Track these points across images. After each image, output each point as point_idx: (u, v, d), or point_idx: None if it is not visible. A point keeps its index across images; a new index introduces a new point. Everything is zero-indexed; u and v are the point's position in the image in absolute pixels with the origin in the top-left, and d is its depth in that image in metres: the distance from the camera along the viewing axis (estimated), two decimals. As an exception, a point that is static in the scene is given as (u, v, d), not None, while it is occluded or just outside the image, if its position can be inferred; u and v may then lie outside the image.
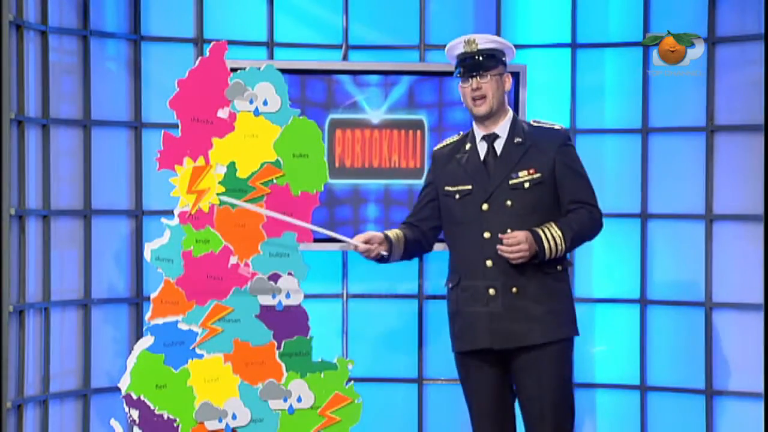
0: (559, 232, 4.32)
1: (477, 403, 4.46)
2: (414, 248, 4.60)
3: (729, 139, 5.56)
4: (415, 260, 5.88)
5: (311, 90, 5.67)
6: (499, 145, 4.44)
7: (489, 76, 4.40)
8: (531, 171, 4.37)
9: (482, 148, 4.46)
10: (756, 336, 5.45)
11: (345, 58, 5.85)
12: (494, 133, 4.45)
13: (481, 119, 4.45)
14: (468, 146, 4.49)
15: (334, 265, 5.88)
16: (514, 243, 4.27)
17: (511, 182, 4.37)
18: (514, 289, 4.33)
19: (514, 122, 4.47)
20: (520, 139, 4.42)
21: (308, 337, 4.49)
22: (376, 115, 5.72)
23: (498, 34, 5.83)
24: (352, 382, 4.54)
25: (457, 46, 4.47)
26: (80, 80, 5.46)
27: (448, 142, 4.62)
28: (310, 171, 4.47)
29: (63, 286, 5.40)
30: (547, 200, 4.39)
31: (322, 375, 4.50)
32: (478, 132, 4.49)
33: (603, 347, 5.83)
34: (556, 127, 4.47)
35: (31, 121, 5.21)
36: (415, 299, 5.91)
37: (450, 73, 5.69)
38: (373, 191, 5.71)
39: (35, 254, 5.25)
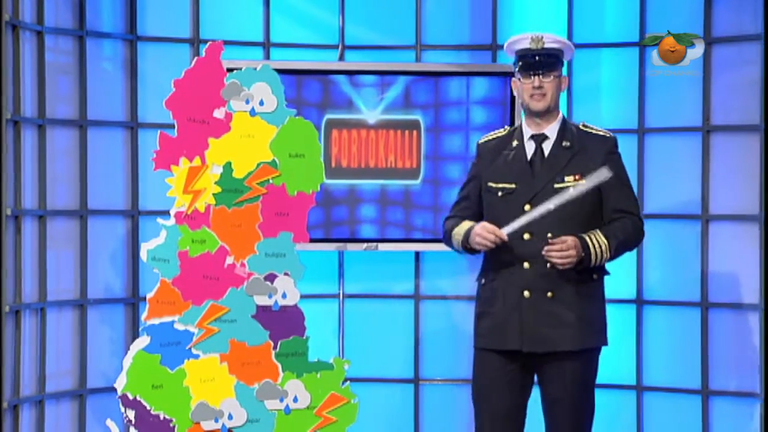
0: (605, 240, 4.28)
1: (490, 403, 4.38)
2: None
3: (725, 140, 5.56)
4: (411, 260, 5.89)
5: (307, 90, 5.67)
6: (547, 147, 4.39)
7: (552, 76, 4.37)
8: (577, 177, 4.33)
9: (530, 148, 4.41)
10: (752, 336, 5.46)
11: (341, 58, 5.85)
12: (543, 134, 4.40)
13: (535, 116, 4.40)
14: (515, 143, 4.44)
15: (331, 265, 5.88)
16: (565, 248, 4.23)
17: (556, 186, 4.31)
18: (549, 294, 4.29)
19: (564, 125, 4.43)
20: (569, 143, 4.38)
21: (304, 338, 4.49)
22: (372, 115, 5.72)
23: (493, 34, 5.84)
24: (348, 382, 4.54)
25: (522, 41, 4.40)
26: (76, 80, 5.46)
27: (494, 135, 4.55)
28: (307, 171, 4.47)
29: (59, 287, 5.40)
30: (589, 207, 4.34)
31: (318, 375, 4.50)
32: (527, 130, 4.44)
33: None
34: (605, 134, 4.43)
35: (28, 122, 5.20)
36: (411, 299, 5.91)
37: (446, 74, 5.72)
38: (369, 191, 5.71)
39: (31, 254, 5.25)
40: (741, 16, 5.50)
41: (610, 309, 5.78)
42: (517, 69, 4.43)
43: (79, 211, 5.46)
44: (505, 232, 4.27)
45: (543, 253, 4.25)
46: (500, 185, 4.39)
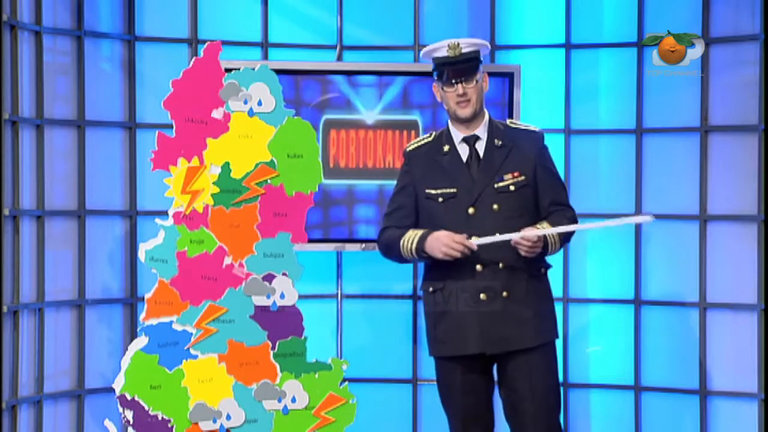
0: (552, 228, 4.35)
1: (464, 407, 4.44)
2: None
3: (723, 140, 5.56)
4: (410, 261, 5.89)
5: (305, 90, 5.67)
6: (480, 148, 4.43)
7: (474, 81, 4.39)
8: (515, 174, 4.38)
9: (463, 150, 4.44)
10: (750, 336, 5.46)
11: (339, 58, 5.85)
12: (475, 135, 4.44)
13: (463, 121, 4.44)
14: (446, 147, 4.46)
15: (329, 265, 5.88)
16: (532, 241, 4.27)
17: (497, 186, 4.36)
18: (504, 293, 4.32)
19: (491, 124, 4.47)
20: (501, 142, 4.42)
21: (302, 338, 4.49)
22: (370, 115, 5.72)
23: (492, 34, 5.84)
24: (346, 382, 4.54)
25: (439, 50, 4.41)
26: (74, 81, 5.46)
27: (422, 141, 4.57)
28: (305, 171, 4.48)
29: (57, 287, 5.40)
30: (531, 203, 4.41)
31: (316, 375, 4.50)
32: (457, 134, 4.47)
33: (597, 347, 5.84)
34: (533, 129, 4.50)
35: (26, 122, 5.20)
36: (409, 300, 5.91)
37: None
38: (367, 192, 5.71)
39: (29, 255, 5.25)
40: (739, 16, 5.50)
41: (608, 309, 5.82)
42: (436, 77, 4.45)
43: (77, 212, 5.46)
44: (475, 243, 4.28)
45: (513, 244, 4.28)
46: (440, 191, 4.41)
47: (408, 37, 5.90)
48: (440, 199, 4.42)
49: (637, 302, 5.74)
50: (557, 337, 4.49)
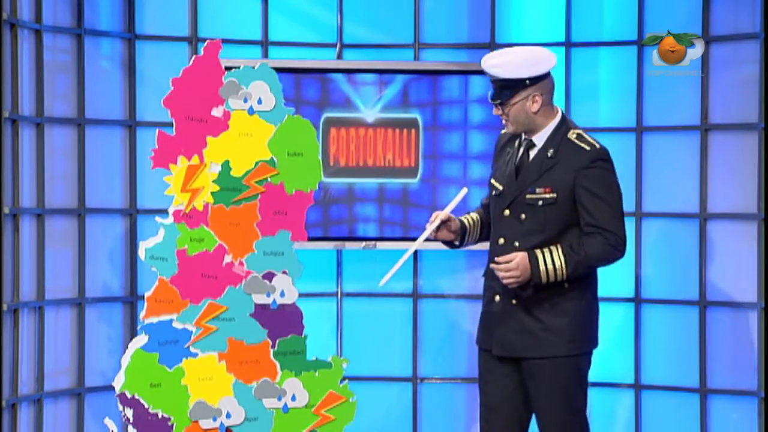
0: (562, 258, 4.19)
1: (485, 396, 4.40)
2: (490, 229, 4.47)
3: (723, 138, 5.56)
4: (410, 259, 5.88)
5: (305, 89, 5.67)
6: (532, 155, 4.29)
7: (509, 105, 4.23)
8: (547, 189, 4.22)
9: (521, 152, 4.32)
10: (750, 334, 5.46)
11: (339, 56, 5.85)
12: (532, 141, 4.29)
13: None
14: (516, 144, 4.35)
15: (329, 263, 5.88)
16: (505, 269, 4.18)
17: (527, 197, 4.24)
18: (513, 301, 4.29)
19: (557, 131, 4.28)
20: (552, 154, 4.25)
21: (302, 336, 4.49)
22: (370, 113, 5.72)
23: (492, 32, 5.84)
24: (346, 380, 4.54)
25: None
26: (74, 79, 5.46)
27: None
28: (305, 169, 4.47)
29: (57, 285, 5.40)
30: (556, 221, 4.24)
31: (316, 374, 4.50)
32: (524, 135, 4.34)
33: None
34: (588, 147, 4.23)
35: (26, 120, 5.20)
36: (409, 298, 5.91)
37: (445, 72, 5.73)
38: (367, 190, 5.71)
39: (30, 253, 5.25)
40: (739, 15, 5.50)
41: (608, 307, 5.81)
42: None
43: (77, 210, 5.46)
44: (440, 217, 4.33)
45: (491, 266, 4.23)
46: (495, 184, 4.38)
47: (408, 35, 5.90)
48: (494, 192, 4.36)
49: (637, 300, 5.74)
50: (574, 353, 4.30)
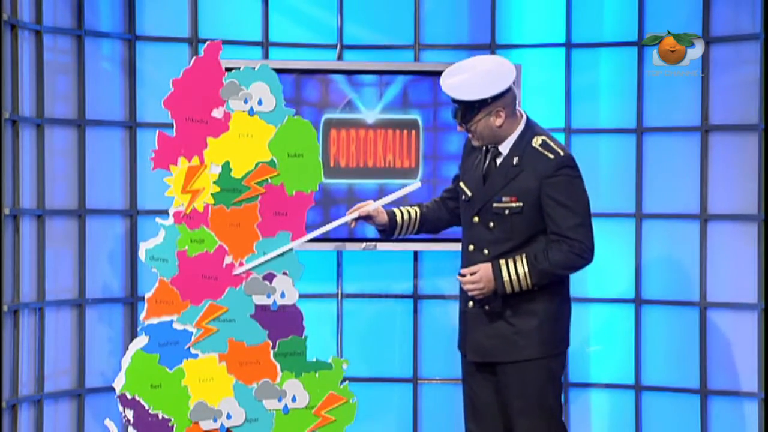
0: (526, 268, 4.20)
1: (465, 395, 4.46)
2: (436, 224, 4.59)
3: (723, 139, 5.56)
4: (410, 260, 5.89)
5: (306, 90, 5.67)
6: (498, 162, 4.32)
7: (473, 123, 4.26)
8: (513, 198, 4.25)
9: (487, 159, 4.35)
10: (750, 336, 5.46)
11: (340, 57, 5.85)
12: (498, 149, 4.31)
13: None
14: (485, 149, 4.37)
15: (329, 264, 5.88)
16: (469, 281, 4.24)
17: (494, 206, 4.28)
18: (486, 307, 4.31)
19: (521, 138, 4.29)
20: (516, 162, 4.27)
21: (303, 337, 4.49)
22: (370, 114, 5.72)
23: (492, 33, 5.84)
24: (346, 381, 4.54)
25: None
26: (75, 80, 5.46)
27: None
28: (305, 171, 4.47)
29: (57, 286, 5.40)
30: (523, 229, 4.26)
31: (316, 375, 4.50)
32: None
33: (598, 347, 5.84)
34: (553, 154, 4.23)
35: (26, 121, 5.20)
36: (410, 299, 5.91)
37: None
38: (367, 191, 5.71)
39: (30, 254, 5.25)
40: (739, 15, 5.50)
41: (608, 308, 5.82)
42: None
43: (77, 211, 5.46)
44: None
45: (457, 277, 4.29)
46: (465, 189, 4.40)
47: (408, 36, 5.90)
48: (463, 197, 4.40)
49: (638, 301, 5.74)
50: (543, 355, 4.29)
